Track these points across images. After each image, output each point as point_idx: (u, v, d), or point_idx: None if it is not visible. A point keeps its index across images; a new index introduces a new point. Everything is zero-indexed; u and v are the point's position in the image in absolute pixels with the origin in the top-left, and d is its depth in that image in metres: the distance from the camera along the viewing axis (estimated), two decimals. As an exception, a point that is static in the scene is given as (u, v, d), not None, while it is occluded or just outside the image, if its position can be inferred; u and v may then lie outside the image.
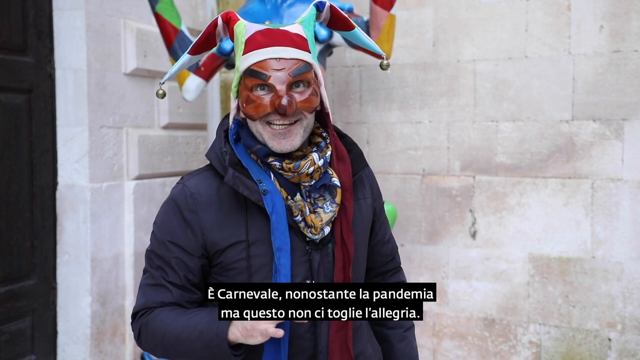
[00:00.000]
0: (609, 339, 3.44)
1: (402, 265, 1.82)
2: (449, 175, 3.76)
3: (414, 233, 3.83)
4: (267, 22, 1.62)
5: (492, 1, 3.64)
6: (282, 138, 1.44)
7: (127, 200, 3.52)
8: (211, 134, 4.26)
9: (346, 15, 1.53)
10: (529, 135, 3.58)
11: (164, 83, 1.53)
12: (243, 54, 1.44)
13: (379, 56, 1.61)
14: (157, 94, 1.55)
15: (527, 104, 3.58)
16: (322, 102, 1.53)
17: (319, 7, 1.50)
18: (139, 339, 1.53)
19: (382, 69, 1.57)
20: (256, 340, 1.38)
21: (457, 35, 3.72)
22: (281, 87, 1.41)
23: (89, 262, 3.28)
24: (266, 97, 1.43)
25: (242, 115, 1.51)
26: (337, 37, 3.16)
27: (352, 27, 1.53)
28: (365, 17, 3.19)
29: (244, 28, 1.46)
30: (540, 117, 3.56)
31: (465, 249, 3.73)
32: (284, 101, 1.39)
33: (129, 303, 3.53)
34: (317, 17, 1.52)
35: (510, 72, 3.61)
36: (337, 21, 1.53)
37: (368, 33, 3.08)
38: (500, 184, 3.65)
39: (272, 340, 1.44)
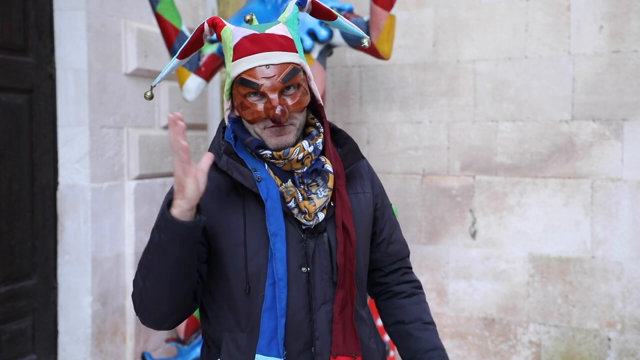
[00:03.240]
0: (609, 339, 3.45)
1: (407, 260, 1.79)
2: (449, 175, 3.77)
3: (414, 233, 3.83)
4: (248, 17, 1.63)
5: (492, 1, 3.65)
6: (277, 135, 1.49)
7: (128, 200, 3.52)
8: (211, 134, 4.27)
9: (328, 7, 1.58)
10: (529, 135, 3.59)
11: (155, 86, 1.58)
12: (232, 61, 1.48)
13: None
14: (145, 95, 1.59)
15: (527, 104, 3.59)
16: (313, 96, 1.57)
17: (301, 4, 1.55)
18: (136, 305, 1.50)
19: (362, 45, 1.64)
20: (184, 177, 1.33)
21: (457, 36, 3.72)
22: (273, 96, 1.45)
23: (90, 262, 3.29)
24: (259, 104, 1.47)
25: (236, 114, 1.56)
26: (337, 37, 3.17)
27: (335, 17, 1.59)
28: (366, 18, 3.19)
29: (231, 34, 1.49)
30: (540, 117, 3.56)
31: (465, 249, 3.74)
32: (278, 111, 1.44)
33: (130, 303, 3.53)
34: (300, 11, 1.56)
35: (510, 72, 3.62)
36: (319, 12, 1.58)
37: (368, 33, 3.09)
38: (500, 184, 3.66)
39: (268, 327, 1.46)
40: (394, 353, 3.35)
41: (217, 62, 3.28)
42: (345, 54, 3.94)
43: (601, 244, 3.46)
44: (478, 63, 3.69)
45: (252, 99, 1.48)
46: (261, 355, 1.46)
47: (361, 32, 1.61)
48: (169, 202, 1.40)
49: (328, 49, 3.31)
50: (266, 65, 1.45)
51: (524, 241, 3.62)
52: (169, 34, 3.14)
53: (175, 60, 1.55)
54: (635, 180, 3.39)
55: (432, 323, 1.71)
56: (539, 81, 3.56)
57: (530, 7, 3.57)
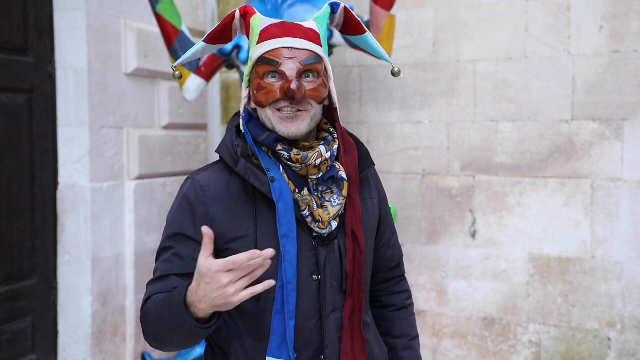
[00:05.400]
0: (609, 339, 3.45)
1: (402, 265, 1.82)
2: (449, 175, 3.77)
3: (414, 233, 3.83)
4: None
5: (492, 1, 3.65)
6: (289, 122, 1.47)
7: (128, 200, 3.52)
8: (212, 134, 4.27)
9: (358, 19, 1.56)
10: (529, 135, 3.59)
11: (177, 66, 1.59)
12: (257, 44, 1.49)
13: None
14: (174, 75, 1.61)
15: (527, 104, 3.59)
16: (330, 97, 1.56)
17: (334, 8, 1.54)
18: (143, 331, 1.50)
19: (394, 75, 1.59)
20: (213, 285, 1.29)
21: (457, 36, 3.72)
22: (291, 74, 1.45)
23: (90, 262, 3.29)
24: (276, 84, 1.46)
25: (252, 105, 1.54)
26: (337, 37, 3.17)
27: (364, 32, 1.57)
28: (366, 17, 3.19)
29: (260, 20, 1.51)
30: (540, 117, 3.56)
31: (465, 249, 3.74)
32: (293, 85, 1.43)
33: (130, 303, 3.53)
34: (331, 20, 1.56)
35: (510, 72, 3.62)
36: (350, 25, 1.57)
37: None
38: (500, 184, 3.66)
39: (278, 329, 1.45)
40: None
41: (217, 62, 3.28)
42: (345, 54, 3.94)
43: (601, 244, 3.46)
44: (478, 63, 3.69)
45: (270, 79, 1.47)
46: (272, 358, 1.46)
47: (388, 57, 1.60)
48: (183, 298, 1.36)
49: (328, 49, 3.31)
50: (289, 47, 1.46)
51: (524, 241, 3.62)
52: (169, 34, 3.14)
53: (201, 43, 1.55)
54: (635, 180, 3.39)
55: (417, 336, 1.77)
56: (539, 81, 3.56)
57: (530, 7, 3.57)
